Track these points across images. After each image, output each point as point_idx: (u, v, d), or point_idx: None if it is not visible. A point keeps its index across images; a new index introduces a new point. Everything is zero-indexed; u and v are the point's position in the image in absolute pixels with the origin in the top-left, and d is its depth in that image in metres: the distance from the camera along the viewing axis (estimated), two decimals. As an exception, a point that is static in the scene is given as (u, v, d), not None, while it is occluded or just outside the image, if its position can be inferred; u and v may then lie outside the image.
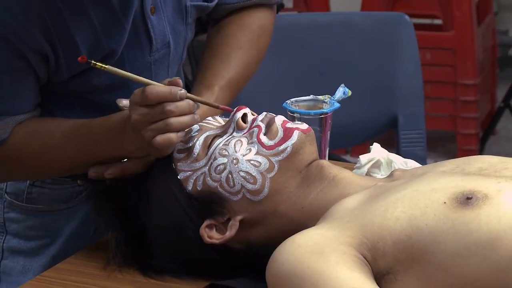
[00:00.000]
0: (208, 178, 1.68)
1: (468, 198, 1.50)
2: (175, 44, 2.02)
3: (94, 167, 1.79)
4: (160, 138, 1.68)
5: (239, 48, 2.08)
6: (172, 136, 1.67)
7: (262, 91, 2.46)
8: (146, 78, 1.73)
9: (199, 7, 2.04)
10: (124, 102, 1.78)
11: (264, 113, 1.73)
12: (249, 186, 1.66)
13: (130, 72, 1.74)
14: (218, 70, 2.03)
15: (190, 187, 1.69)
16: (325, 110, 1.91)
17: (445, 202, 1.51)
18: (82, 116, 1.86)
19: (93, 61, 1.68)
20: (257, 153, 1.68)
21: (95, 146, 1.80)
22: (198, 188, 1.68)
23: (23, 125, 1.85)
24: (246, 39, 2.11)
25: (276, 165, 1.67)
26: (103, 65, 1.70)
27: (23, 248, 2.05)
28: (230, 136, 1.71)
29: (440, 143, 4.29)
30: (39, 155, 1.86)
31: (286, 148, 1.68)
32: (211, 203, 1.68)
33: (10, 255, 2.05)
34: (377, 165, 1.92)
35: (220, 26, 2.13)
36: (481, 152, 4.24)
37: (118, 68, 1.73)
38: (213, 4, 2.08)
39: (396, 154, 1.97)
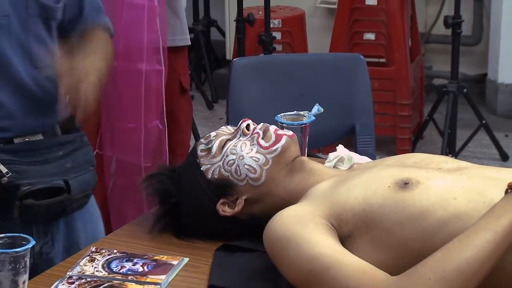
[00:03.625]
0: (222, 170, 1.66)
1: (406, 183, 1.50)
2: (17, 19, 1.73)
3: None
4: None
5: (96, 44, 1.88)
6: None
7: (261, 108, 2.45)
8: None
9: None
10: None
11: (262, 123, 1.72)
12: (251, 175, 1.65)
13: None
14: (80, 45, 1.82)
15: (209, 176, 1.67)
16: (304, 122, 1.89)
17: (389, 186, 1.50)
18: None
19: None
20: (257, 152, 1.66)
21: None
22: (215, 177, 1.67)
23: None
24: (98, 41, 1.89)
25: (270, 160, 1.65)
26: None
27: None
28: (237, 140, 1.69)
29: (385, 145, 4.28)
30: None
31: (277, 148, 1.66)
32: (224, 187, 1.66)
33: None
34: (341, 160, 1.90)
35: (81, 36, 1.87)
36: (413, 151, 4.23)
37: None
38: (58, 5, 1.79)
39: (354, 152, 1.96)
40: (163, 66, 2.51)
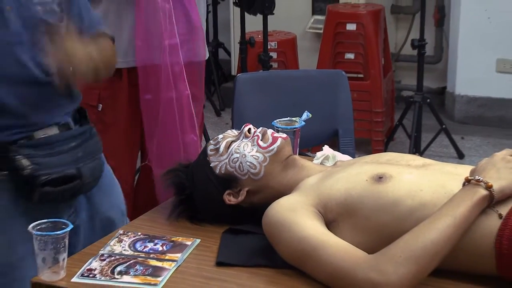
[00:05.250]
0: (228, 166, 1.65)
1: (380, 177, 1.49)
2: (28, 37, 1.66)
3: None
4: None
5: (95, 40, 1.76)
6: None
7: (260, 115, 2.44)
8: None
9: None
10: None
11: (261, 127, 1.71)
12: (252, 171, 1.63)
13: None
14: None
15: (217, 171, 1.66)
16: (296, 126, 1.88)
17: (366, 180, 1.50)
18: None
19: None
20: (257, 151, 1.65)
21: None
22: (222, 172, 1.65)
23: None
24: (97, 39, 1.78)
25: (268, 158, 1.64)
26: None
27: None
28: (241, 141, 1.68)
29: (362, 145, 4.26)
30: None
31: (274, 148, 1.65)
32: (229, 180, 1.65)
33: None
34: (327, 158, 1.89)
35: None
36: (385, 151, 4.22)
37: None
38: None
39: (338, 151, 1.94)
40: (188, 90, 2.48)
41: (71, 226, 1.45)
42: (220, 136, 1.72)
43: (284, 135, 1.69)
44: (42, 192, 1.67)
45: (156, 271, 1.48)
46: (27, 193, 1.67)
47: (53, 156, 1.69)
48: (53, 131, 1.73)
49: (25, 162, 1.64)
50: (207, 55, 2.60)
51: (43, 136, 1.70)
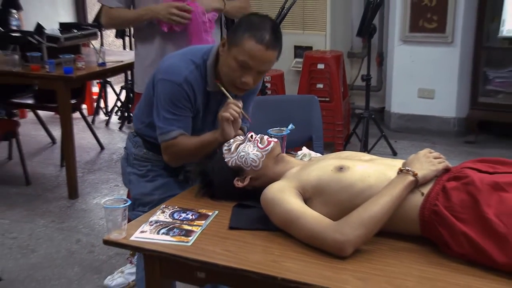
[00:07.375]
0: (237, 161, 1.63)
1: (341, 168, 1.47)
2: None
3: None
4: (225, 114, 1.68)
5: None
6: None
7: (260, 126, 2.41)
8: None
9: None
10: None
11: (260, 134, 1.69)
12: (254, 164, 1.62)
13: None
14: None
15: (229, 164, 1.64)
16: (283, 133, 1.86)
17: (332, 170, 1.47)
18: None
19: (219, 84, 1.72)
20: (257, 151, 1.63)
21: (208, 141, 1.74)
22: (233, 165, 1.63)
23: (185, 135, 1.76)
24: None
25: (264, 155, 1.62)
26: (221, 86, 1.72)
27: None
28: (245, 144, 1.66)
29: (328, 147, 4.23)
30: (187, 147, 1.75)
31: (268, 148, 1.63)
32: (238, 171, 1.63)
33: None
34: (304, 155, 1.86)
35: None
36: (344, 150, 4.19)
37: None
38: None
39: (312, 151, 1.92)
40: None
41: (129, 202, 1.43)
42: (231, 140, 1.70)
43: (276, 140, 1.67)
44: (186, 176, 1.83)
45: (187, 233, 1.46)
46: (173, 172, 1.86)
47: None
48: None
49: None
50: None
51: None
